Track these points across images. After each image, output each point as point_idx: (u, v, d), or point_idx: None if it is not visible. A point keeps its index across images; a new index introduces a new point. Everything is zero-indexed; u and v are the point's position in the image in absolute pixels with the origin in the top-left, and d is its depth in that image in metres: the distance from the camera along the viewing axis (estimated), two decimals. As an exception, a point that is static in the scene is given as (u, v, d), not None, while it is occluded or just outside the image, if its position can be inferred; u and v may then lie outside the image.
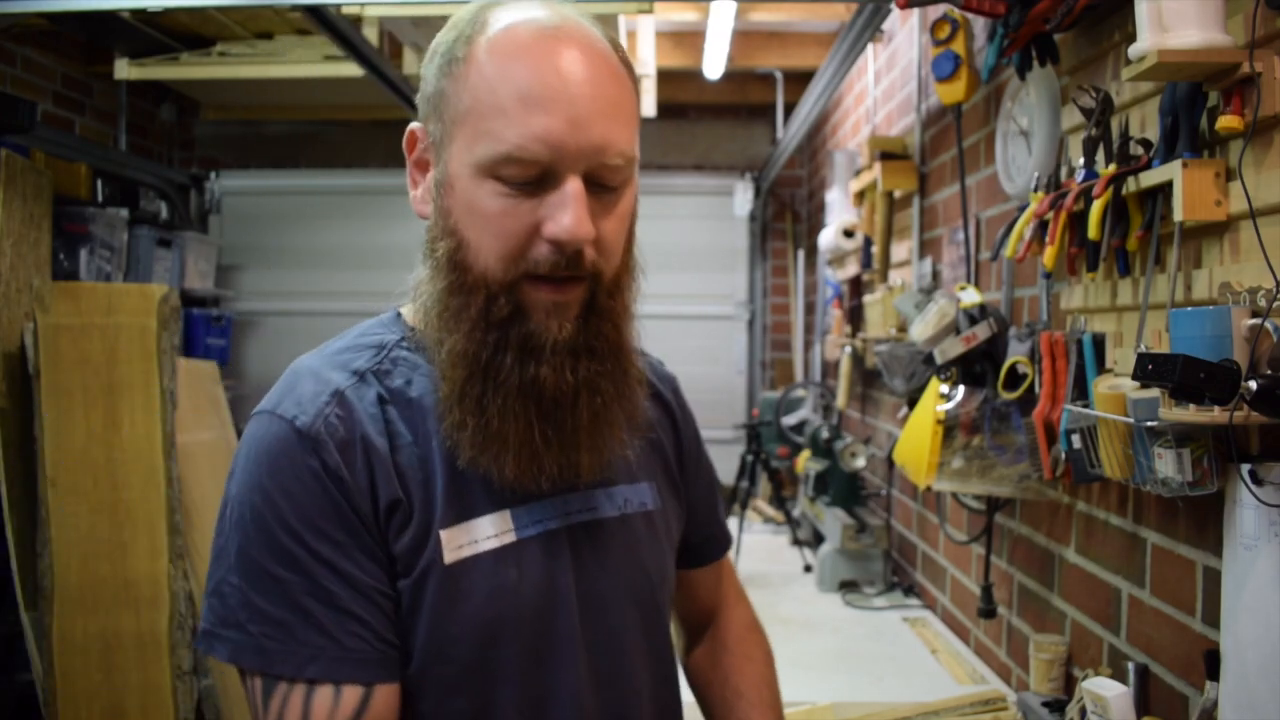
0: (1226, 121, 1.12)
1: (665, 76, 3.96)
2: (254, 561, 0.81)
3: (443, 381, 0.86)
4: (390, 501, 0.84)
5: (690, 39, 3.89)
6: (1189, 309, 1.15)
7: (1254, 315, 1.05)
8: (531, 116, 0.79)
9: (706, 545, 1.14)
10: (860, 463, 2.88)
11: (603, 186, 0.84)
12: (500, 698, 0.87)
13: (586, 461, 0.87)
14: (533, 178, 0.81)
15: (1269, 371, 1.02)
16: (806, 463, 3.13)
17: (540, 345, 0.83)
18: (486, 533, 0.87)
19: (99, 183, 3.49)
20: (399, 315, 0.95)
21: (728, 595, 1.19)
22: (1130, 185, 1.31)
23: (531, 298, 0.83)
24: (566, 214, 0.80)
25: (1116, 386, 1.30)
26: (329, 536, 0.81)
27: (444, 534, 0.85)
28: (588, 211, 0.81)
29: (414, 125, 0.90)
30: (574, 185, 0.81)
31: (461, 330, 0.84)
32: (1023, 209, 1.59)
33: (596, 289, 0.85)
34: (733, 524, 3.04)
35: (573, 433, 0.86)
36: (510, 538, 0.87)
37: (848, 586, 2.65)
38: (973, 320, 1.83)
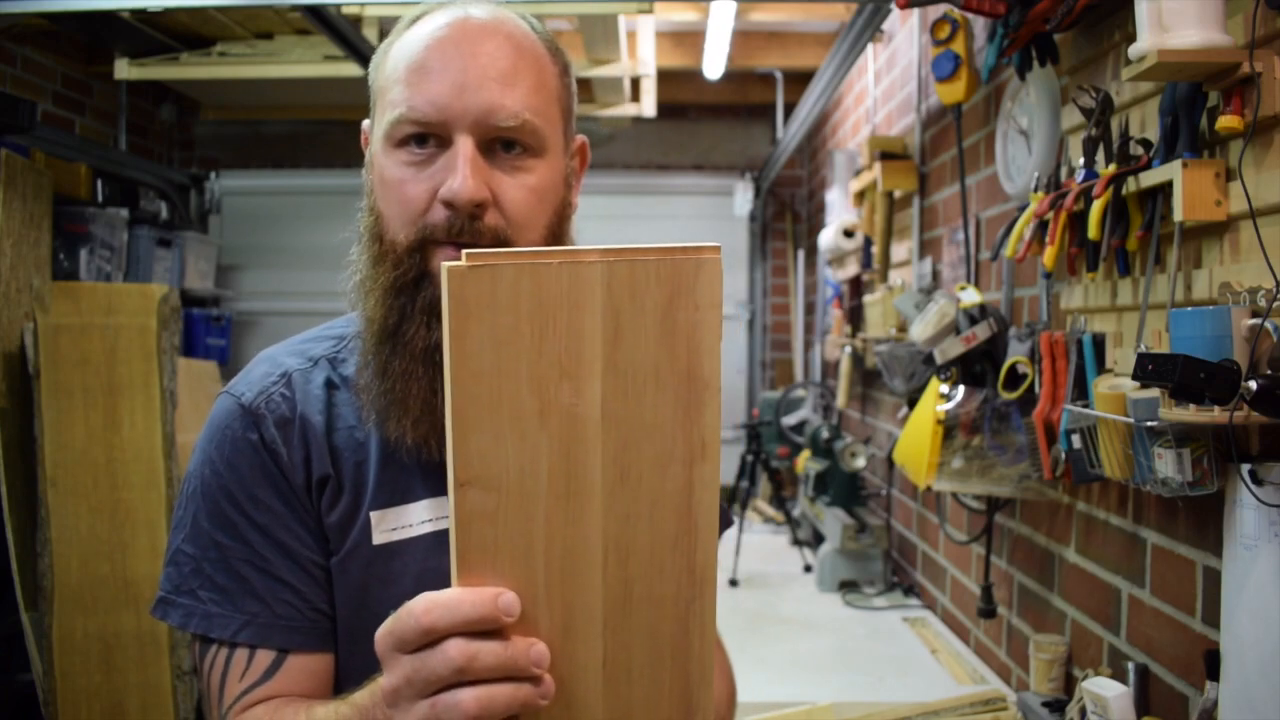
0: (1226, 121, 1.12)
1: (665, 76, 3.96)
2: (203, 530, 0.86)
3: (362, 352, 0.88)
4: (321, 476, 0.87)
5: (690, 39, 3.89)
6: (1189, 309, 1.15)
7: (1254, 315, 1.05)
8: (422, 81, 0.83)
9: None
10: (860, 463, 2.88)
11: (505, 150, 0.85)
12: None
13: None
14: (422, 137, 0.84)
15: (1269, 371, 1.02)
16: (806, 463, 3.13)
17: None
18: (421, 517, 0.89)
19: (99, 183, 3.49)
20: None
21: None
22: (1130, 185, 1.31)
23: (436, 262, 0.84)
24: (454, 175, 0.82)
25: (1116, 386, 1.30)
26: (266, 506, 0.86)
27: (374, 515, 0.87)
28: (479, 172, 0.83)
29: (363, 125, 0.94)
30: (463, 144, 0.83)
31: (374, 297, 0.86)
32: (1023, 209, 1.59)
33: None
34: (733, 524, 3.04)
35: None
36: (444, 524, 0.88)
37: (848, 586, 2.65)
38: (973, 320, 1.83)
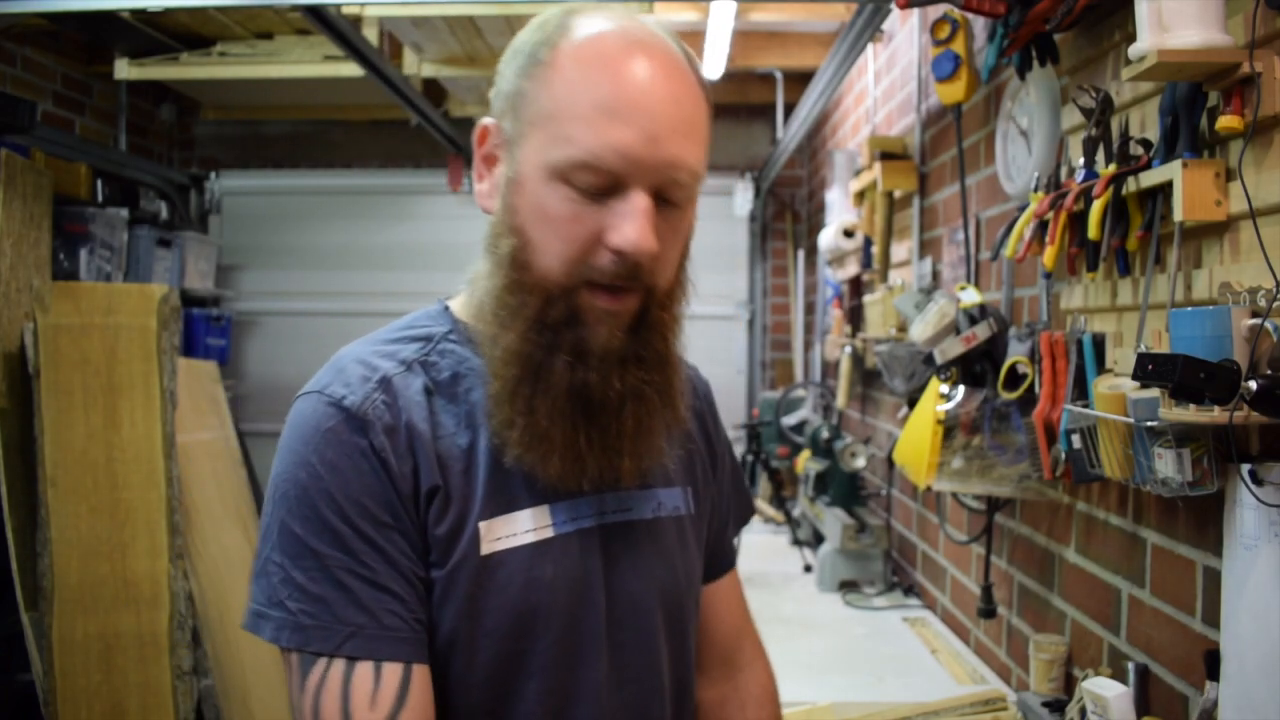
0: (1226, 121, 1.12)
1: (665, 76, 3.95)
2: (296, 537, 0.82)
3: (493, 379, 0.87)
4: (430, 487, 0.85)
5: (690, 39, 3.88)
6: (1189, 309, 1.15)
7: (1254, 315, 1.05)
8: (609, 126, 0.80)
9: (713, 556, 1.12)
10: (860, 463, 2.88)
11: (668, 202, 0.85)
12: (526, 690, 0.87)
13: (628, 467, 0.89)
14: (603, 186, 0.82)
15: (1269, 371, 1.02)
16: (806, 463, 3.13)
17: (591, 351, 0.85)
18: (525, 526, 0.88)
19: (99, 183, 3.49)
20: (446, 308, 0.96)
21: (744, 634, 1.14)
22: (1130, 185, 1.31)
23: (588, 304, 0.84)
24: (632, 226, 0.81)
25: (1116, 386, 1.30)
26: (372, 515, 0.82)
27: (483, 525, 0.86)
28: (653, 226, 0.82)
29: (486, 121, 0.90)
30: (641, 199, 0.82)
31: (516, 329, 0.85)
32: (1023, 209, 1.59)
33: (650, 301, 0.87)
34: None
35: (616, 438, 0.87)
36: (548, 533, 0.88)
37: (848, 586, 2.65)
38: (973, 320, 1.83)
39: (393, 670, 0.81)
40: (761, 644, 1.16)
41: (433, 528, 0.85)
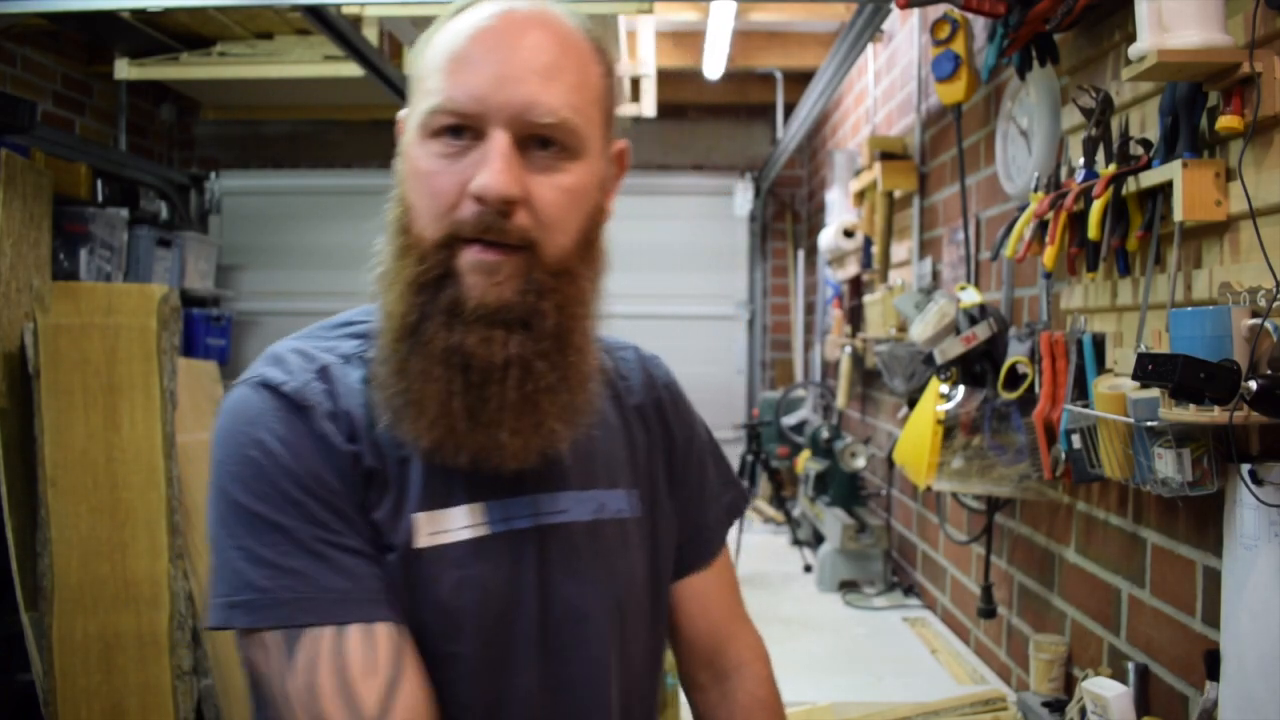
0: (1226, 121, 1.12)
1: (665, 76, 3.95)
2: (257, 516, 0.79)
3: (381, 347, 0.85)
4: (369, 469, 0.83)
5: (690, 39, 3.89)
6: (1189, 309, 1.15)
7: (1254, 315, 1.05)
8: (460, 71, 0.81)
9: (684, 552, 1.07)
10: (860, 463, 2.88)
11: (542, 149, 0.82)
12: (457, 693, 0.84)
13: (509, 443, 0.83)
14: (458, 129, 0.81)
15: (1269, 371, 1.02)
16: (806, 463, 3.13)
17: (465, 308, 0.81)
18: (460, 522, 0.85)
19: (99, 183, 3.49)
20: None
21: (731, 636, 1.08)
22: (1130, 185, 1.31)
23: (462, 260, 0.81)
24: (487, 167, 0.79)
25: (1116, 386, 1.30)
26: (329, 485, 0.81)
27: (417, 517, 0.84)
28: (513, 168, 0.80)
29: (399, 113, 0.90)
30: (499, 138, 0.80)
31: (395, 292, 0.83)
32: (1023, 209, 1.59)
33: (537, 264, 0.82)
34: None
35: (497, 410, 0.82)
36: (484, 530, 0.86)
37: (848, 586, 2.65)
38: (973, 320, 1.83)
39: (386, 632, 0.79)
40: (756, 646, 1.10)
41: (371, 513, 0.83)
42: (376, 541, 0.83)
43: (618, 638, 0.93)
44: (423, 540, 0.83)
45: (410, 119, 0.85)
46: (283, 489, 0.80)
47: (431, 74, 0.83)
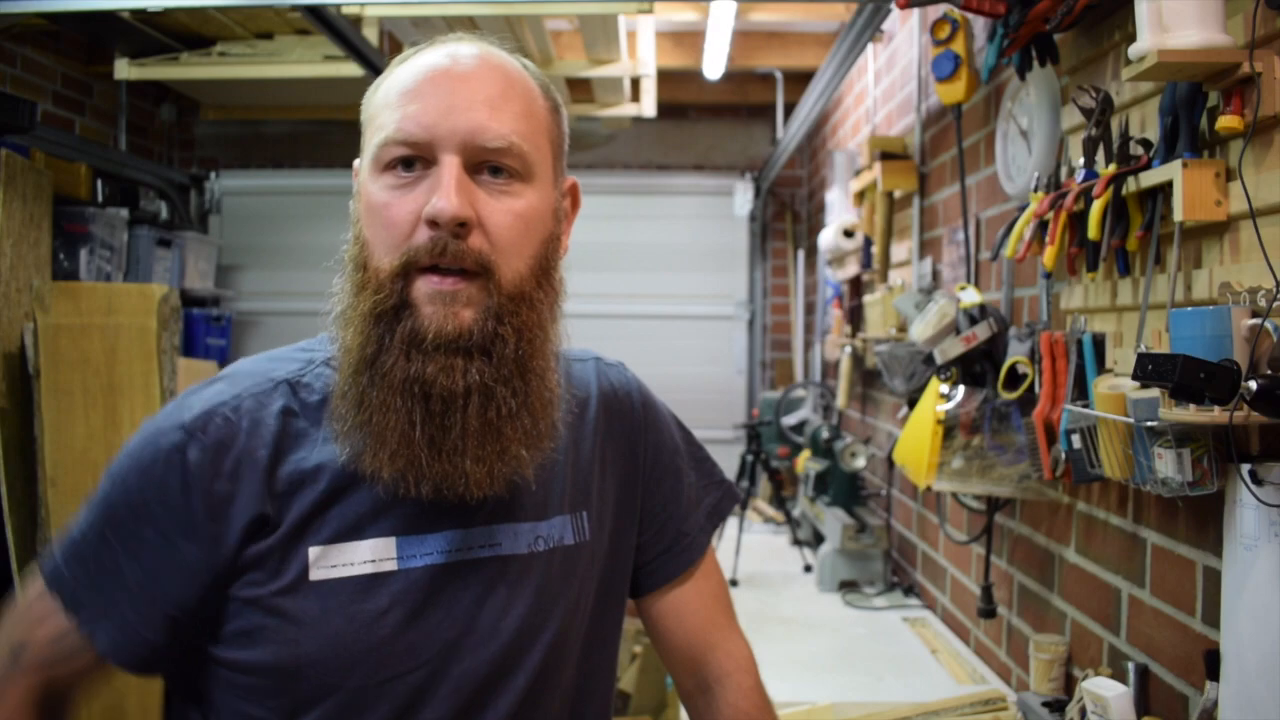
0: (1226, 121, 1.12)
1: (665, 76, 3.96)
2: (105, 514, 0.86)
3: (339, 382, 0.85)
4: (255, 515, 0.84)
5: (690, 39, 3.89)
6: (1189, 309, 1.15)
7: (1254, 315, 1.05)
8: (409, 103, 0.84)
9: (659, 563, 1.06)
10: (860, 463, 2.88)
11: (492, 175, 0.85)
12: None
13: (472, 471, 0.83)
14: (409, 160, 0.83)
15: (1269, 371, 1.02)
16: (806, 463, 3.13)
17: (424, 338, 0.81)
18: (363, 557, 0.85)
19: (99, 183, 3.48)
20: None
21: (715, 645, 1.07)
22: (1130, 185, 1.31)
23: (418, 290, 0.82)
24: (439, 191, 0.81)
25: (1116, 386, 1.30)
26: (162, 526, 0.84)
27: (314, 550, 0.84)
28: (464, 192, 0.82)
29: (355, 162, 0.92)
30: (449, 163, 0.82)
31: (353, 325, 0.84)
32: (1023, 209, 1.59)
33: (495, 290, 0.83)
34: (733, 524, 3.04)
35: (460, 438, 0.82)
36: (389, 565, 0.85)
37: (848, 586, 2.65)
38: (973, 320, 1.83)
39: (76, 645, 0.86)
40: (740, 656, 1.07)
41: (246, 547, 0.84)
42: (258, 577, 0.84)
43: (554, 672, 0.92)
44: (318, 573, 0.84)
45: (364, 157, 0.88)
46: (126, 511, 0.85)
47: (382, 110, 0.86)
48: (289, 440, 0.86)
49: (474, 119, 0.83)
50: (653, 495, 1.05)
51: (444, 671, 0.87)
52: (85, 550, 0.86)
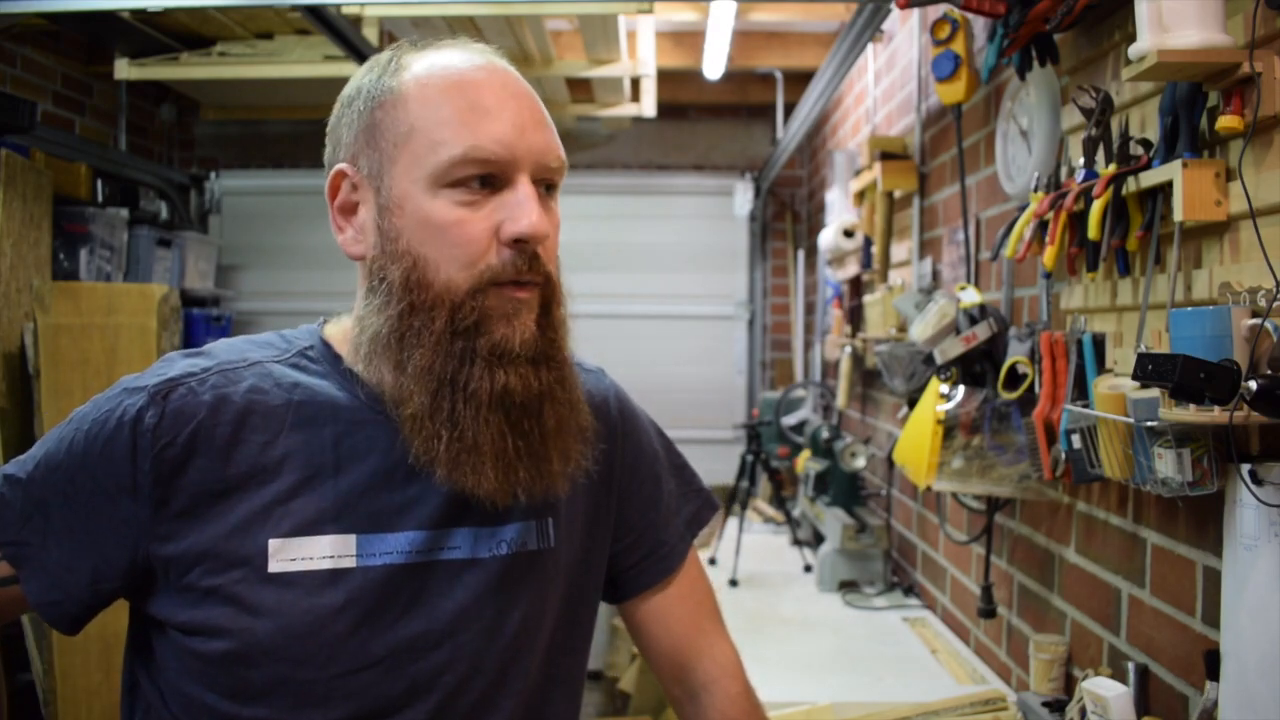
0: (1226, 121, 1.12)
1: (665, 76, 3.95)
2: (50, 462, 0.88)
3: (406, 403, 0.85)
4: (205, 489, 0.84)
5: (690, 39, 3.89)
6: (1189, 309, 1.15)
7: (1254, 315, 1.05)
8: (482, 121, 0.84)
9: (638, 570, 1.06)
10: (860, 463, 2.88)
11: (546, 190, 0.88)
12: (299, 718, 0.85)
13: (557, 470, 0.88)
14: (487, 176, 0.84)
15: (1269, 371, 1.02)
16: (806, 463, 3.13)
17: (510, 350, 0.84)
18: (323, 551, 0.85)
19: (99, 183, 3.48)
20: (322, 327, 0.97)
21: (700, 651, 1.07)
22: (1130, 185, 1.31)
23: (495, 304, 0.84)
24: (525, 212, 0.83)
25: (1116, 386, 1.30)
26: (103, 488, 0.85)
27: (274, 542, 0.84)
28: (544, 211, 0.85)
29: (339, 167, 0.89)
30: (528, 185, 0.85)
31: (426, 345, 0.83)
32: (1023, 209, 1.59)
33: (550, 296, 0.88)
34: (733, 524, 3.04)
35: (540, 441, 0.86)
36: (349, 563, 0.85)
37: (848, 586, 2.65)
38: (973, 320, 1.83)
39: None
40: (726, 662, 1.07)
41: (196, 523, 0.84)
42: (218, 565, 0.84)
43: (510, 676, 0.92)
44: (277, 565, 0.84)
45: (400, 171, 0.85)
46: (74, 458, 0.86)
47: (440, 125, 0.83)
48: (253, 420, 0.86)
49: (541, 139, 0.86)
50: (629, 503, 1.05)
51: (398, 671, 0.87)
52: (28, 477, 0.88)
